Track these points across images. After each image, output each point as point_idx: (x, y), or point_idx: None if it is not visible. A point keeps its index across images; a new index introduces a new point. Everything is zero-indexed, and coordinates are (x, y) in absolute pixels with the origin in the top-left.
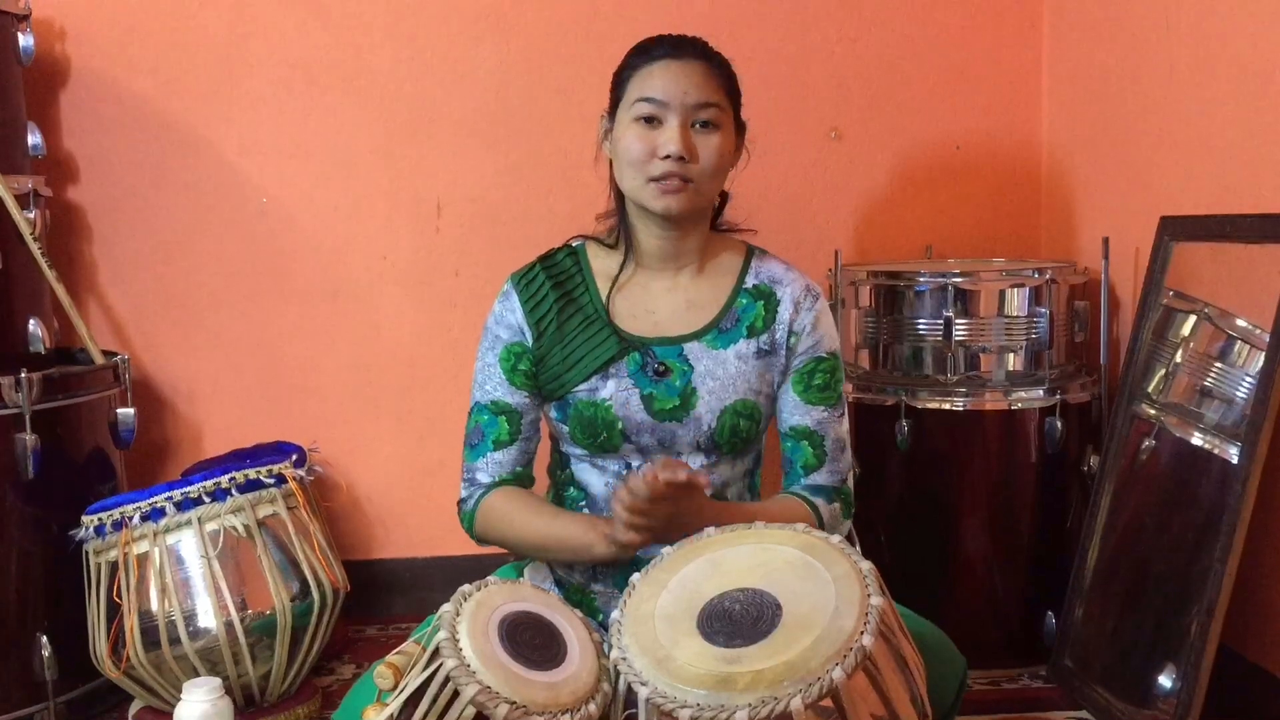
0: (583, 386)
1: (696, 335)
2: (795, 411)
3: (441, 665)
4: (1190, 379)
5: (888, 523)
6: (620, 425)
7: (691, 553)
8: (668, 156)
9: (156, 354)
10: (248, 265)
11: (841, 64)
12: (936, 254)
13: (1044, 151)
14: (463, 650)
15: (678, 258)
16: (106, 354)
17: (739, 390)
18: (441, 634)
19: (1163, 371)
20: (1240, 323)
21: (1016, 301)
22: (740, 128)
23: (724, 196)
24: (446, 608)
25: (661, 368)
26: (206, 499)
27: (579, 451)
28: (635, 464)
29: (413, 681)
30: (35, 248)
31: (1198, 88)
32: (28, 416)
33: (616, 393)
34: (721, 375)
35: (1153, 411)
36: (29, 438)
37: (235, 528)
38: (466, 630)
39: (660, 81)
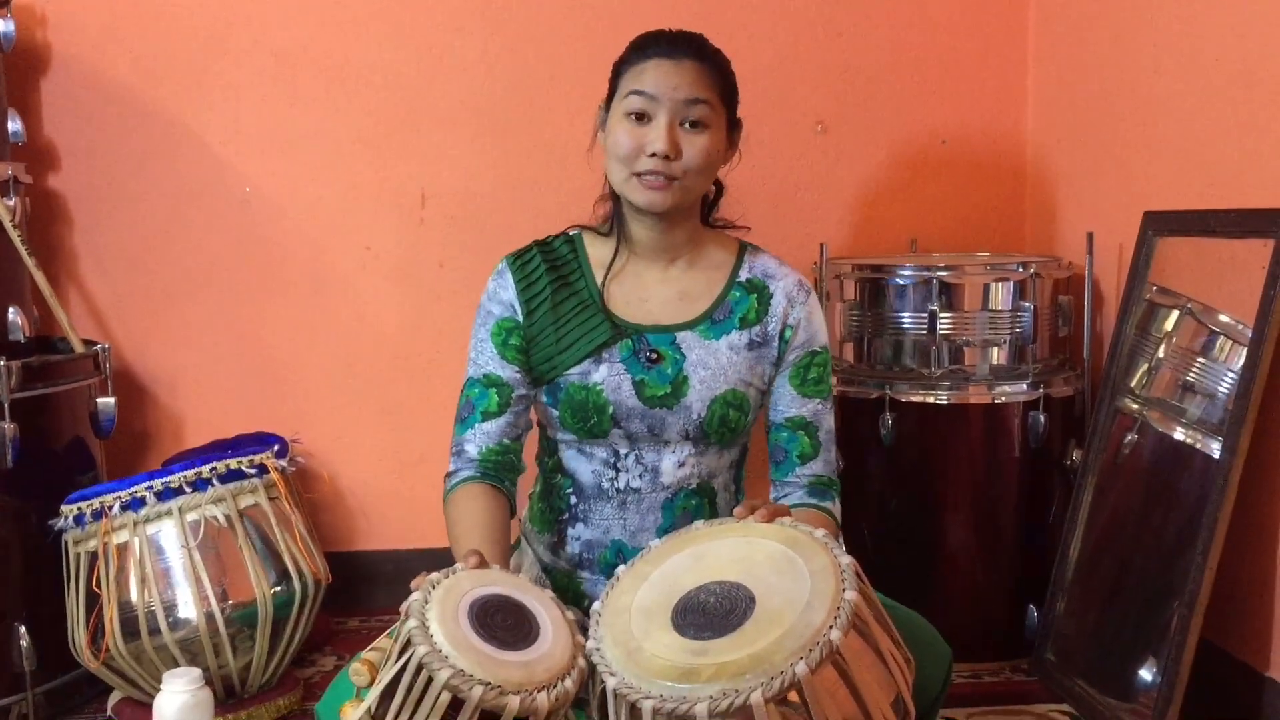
0: (574, 370)
1: (689, 325)
2: (791, 404)
3: (414, 654)
4: (1173, 374)
5: (870, 516)
6: (611, 410)
7: (677, 545)
8: (654, 154)
9: (138, 343)
10: (231, 255)
11: (828, 57)
12: (921, 247)
13: (1029, 146)
14: (433, 636)
15: (669, 249)
16: (87, 343)
17: (730, 380)
18: (411, 622)
19: (1145, 366)
20: (1223, 318)
21: (1001, 295)
22: (734, 125)
23: (718, 190)
24: (415, 596)
25: (654, 354)
26: (187, 489)
27: (568, 437)
28: (623, 451)
29: (387, 674)
30: (15, 235)
31: (1182, 84)
32: (6, 405)
33: (609, 377)
34: (713, 365)
35: (1135, 406)
36: (8, 426)
37: (216, 518)
38: (436, 616)
39: (652, 77)
